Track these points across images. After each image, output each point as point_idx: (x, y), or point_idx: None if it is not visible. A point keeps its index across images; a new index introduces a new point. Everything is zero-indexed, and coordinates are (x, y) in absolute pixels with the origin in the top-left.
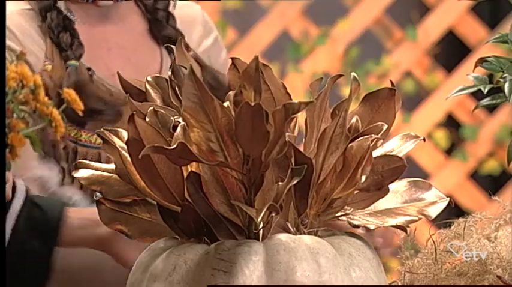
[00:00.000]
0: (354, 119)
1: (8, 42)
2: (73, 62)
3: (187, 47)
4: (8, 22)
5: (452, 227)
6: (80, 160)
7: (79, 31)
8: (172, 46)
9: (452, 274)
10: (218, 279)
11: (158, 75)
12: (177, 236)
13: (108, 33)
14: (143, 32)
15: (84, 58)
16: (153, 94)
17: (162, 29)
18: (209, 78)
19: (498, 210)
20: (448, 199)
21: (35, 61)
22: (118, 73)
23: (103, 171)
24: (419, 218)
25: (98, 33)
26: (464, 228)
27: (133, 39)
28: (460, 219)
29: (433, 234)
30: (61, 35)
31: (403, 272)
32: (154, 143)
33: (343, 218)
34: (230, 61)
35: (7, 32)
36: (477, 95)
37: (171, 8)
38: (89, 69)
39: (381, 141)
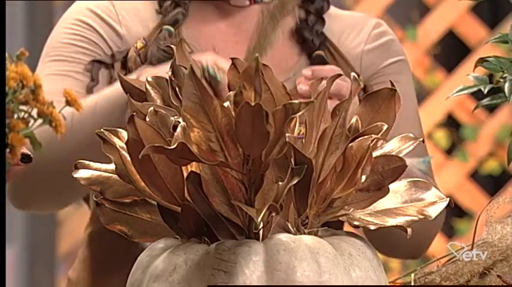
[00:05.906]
0: (354, 119)
1: (103, 15)
2: (167, 27)
3: (333, 47)
4: (116, 2)
5: None
6: (80, 160)
7: (206, 25)
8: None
9: None
10: (218, 279)
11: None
12: (177, 236)
13: (242, 29)
14: (288, 31)
15: (204, 47)
16: (153, 94)
17: (305, 31)
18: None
19: None
20: (448, 199)
21: (129, 38)
22: (118, 74)
23: (103, 171)
24: (420, 219)
25: (228, 27)
26: None
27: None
28: None
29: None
30: (166, 3)
31: None
32: (154, 143)
33: (343, 218)
34: (397, 67)
35: (110, 11)
36: (477, 95)
37: (325, 14)
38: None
39: (381, 141)
